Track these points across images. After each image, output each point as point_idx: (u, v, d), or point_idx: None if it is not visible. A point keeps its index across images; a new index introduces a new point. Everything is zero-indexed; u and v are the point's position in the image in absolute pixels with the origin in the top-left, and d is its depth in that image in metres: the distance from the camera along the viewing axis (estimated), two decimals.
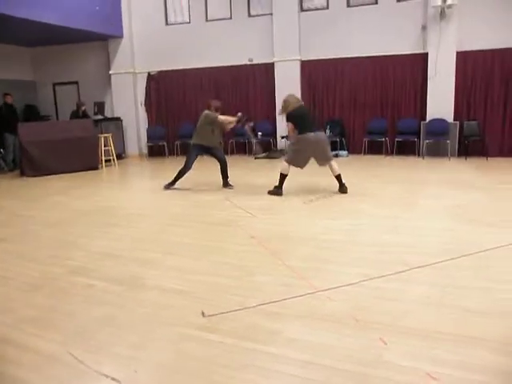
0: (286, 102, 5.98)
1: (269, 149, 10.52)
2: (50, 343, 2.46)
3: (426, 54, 9.25)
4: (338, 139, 9.99)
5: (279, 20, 10.17)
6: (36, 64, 12.28)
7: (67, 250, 4.12)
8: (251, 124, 6.94)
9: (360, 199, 5.68)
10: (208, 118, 6.46)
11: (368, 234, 4.27)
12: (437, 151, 9.26)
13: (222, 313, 2.71)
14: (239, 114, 6.73)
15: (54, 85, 12.36)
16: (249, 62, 10.73)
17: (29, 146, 8.48)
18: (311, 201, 5.65)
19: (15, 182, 8.36)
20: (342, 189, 5.98)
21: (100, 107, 11.20)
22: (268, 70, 10.51)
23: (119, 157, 10.57)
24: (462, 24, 8.88)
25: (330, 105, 10.37)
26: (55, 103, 12.48)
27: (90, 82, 11.93)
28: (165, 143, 11.23)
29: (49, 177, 8.39)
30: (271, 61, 10.40)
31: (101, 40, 11.28)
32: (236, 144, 11.00)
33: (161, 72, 11.45)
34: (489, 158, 8.84)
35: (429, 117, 9.32)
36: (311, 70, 10.31)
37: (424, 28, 9.27)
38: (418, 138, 9.43)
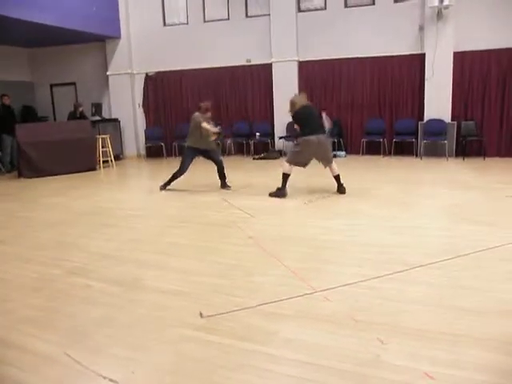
0: (291, 103, 6.01)
1: (267, 149, 10.53)
2: (49, 344, 2.46)
3: (424, 54, 9.28)
4: (335, 140, 10.00)
5: (277, 21, 10.18)
6: (33, 65, 12.27)
7: (66, 251, 4.12)
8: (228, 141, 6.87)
9: (358, 199, 5.69)
10: (194, 122, 6.44)
11: (366, 234, 4.28)
12: (434, 151, 9.28)
13: (220, 313, 2.71)
14: (219, 127, 6.65)
15: (52, 86, 12.35)
16: (247, 63, 10.75)
17: (27, 147, 8.47)
18: (310, 201, 5.65)
19: (13, 183, 8.34)
20: (341, 189, 5.99)
21: (98, 108, 11.20)
22: (266, 70, 10.52)
23: (117, 158, 10.57)
24: (458, 24, 8.91)
25: (328, 105, 10.36)
26: (53, 104, 12.47)
27: (88, 83, 11.92)
28: (163, 144, 11.23)
29: (47, 178, 8.38)
30: (269, 61, 10.41)
31: (98, 41, 11.28)
32: (234, 144, 11.01)
33: (158, 73, 11.45)
34: (486, 158, 8.87)
35: (426, 117, 9.34)
36: (309, 71, 10.32)
37: (421, 28, 9.29)
38: (416, 138, 9.45)
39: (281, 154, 10.29)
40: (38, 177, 8.42)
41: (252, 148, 10.68)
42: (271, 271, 3.38)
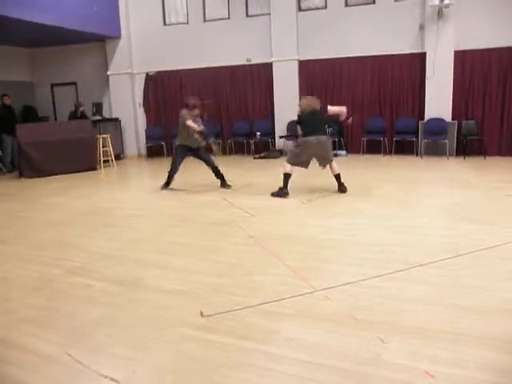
0: (299, 105, 6.17)
1: (267, 149, 10.52)
2: (49, 344, 2.46)
3: (424, 53, 9.26)
4: (336, 139, 9.99)
5: (277, 20, 10.17)
6: (34, 65, 12.28)
7: (66, 250, 4.13)
8: (215, 141, 6.83)
9: (358, 198, 5.69)
10: (181, 119, 6.43)
11: (367, 233, 4.28)
12: (435, 150, 9.27)
13: (221, 312, 2.71)
14: (203, 126, 6.57)
15: (52, 86, 12.36)
16: (247, 62, 10.74)
17: (27, 147, 8.47)
18: (310, 200, 5.65)
19: (14, 183, 8.35)
20: (341, 188, 5.99)
21: (98, 108, 11.20)
22: (266, 69, 10.51)
23: (118, 157, 10.57)
24: (459, 23, 8.89)
25: (329, 104, 10.33)
26: (53, 104, 12.47)
27: (88, 83, 11.92)
28: (163, 143, 11.23)
29: (47, 178, 8.38)
30: (269, 61, 10.41)
31: (99, 41, 11.28)
32: (235, 144, 11.01)
33: (159, 72, 11.45)
34: (487, 157, 8.86)
35: (427, 116, 9.33)
36: (309, 70, 10.32)
37: (422, 27, 9.28)
38: (417, 137, 9.43)
39: (281, 153, 10.29)
40: (38, 177, 8.42)
41: (252, 147, 10.68)
42: (271, 270, 3.38)
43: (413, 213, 5.00)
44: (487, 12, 8.78)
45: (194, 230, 4.68)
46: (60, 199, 6.54)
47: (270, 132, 10.68)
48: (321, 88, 10.32)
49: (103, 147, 9.69)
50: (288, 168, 5.96)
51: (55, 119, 12.24)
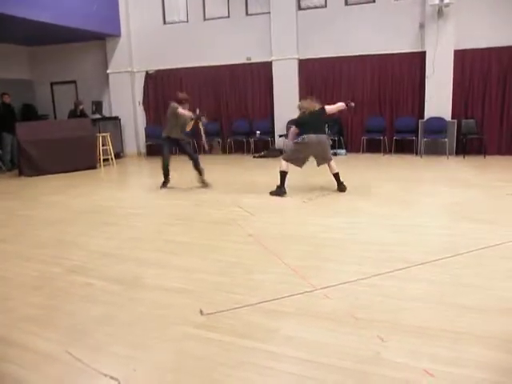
0: (299, 107, 6.22)
1: (267, 147, 10.53)
2: (49, 342, 2.46)
3: (424, 52, 9.26)
4: (336, 138, 9.99)
5: (277, 19, 10.16)
6: (34, 63, 12.26)
7: (66, 249, 4.13)
8: (205, 120, 6.81)
9: (358, 197, 5.69)
10: (170, 109, 6.46)
11: (366, 232, 4.28)
12: (435, 149, 9.27)
13: (221, 311, 2.71)
14: (197, 109, 6.66)
15: (52, 84, 12.35)
16: (247, 61, 10.73)
17: (27, 145, 8.47)
18: (310, 199, 5.65)
19: (14, 181, 8.34)
20: (341, 187, 5.99)
21: (98, 106, 11.19)
22: (266, 68, 10.50)
23: (117, 156, 10.56)
24: (459, 22, 8.89)
25: (328, 103, 10.33)
26: (53, 102, 12.47)
27: (88, 81, 11.91)
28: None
29: (47, 176, 8.38)
30: (269, 59, 10.40)
31: (98, 39, 11.27)
32: (234, 143, 11.01)
33: (159, 71, 11.44)
34: (487, 156, 8.86)
35: (427, 115, 9.33)
36: (309, 69, 10.31)
37: (422, 26, 9.28)
38: (416, 136, 9.43)
39: (281, 152, 10.23)
40: (38, 175, 8.41)
41: (252, 146, 10.68)
42: (271, 269, 3.38)
43: (413, 212, 5.00)
44: (487, 11, 8.78)
45: (194, 229, 4.68)
46: (60, 198, 6.53)
47: (270, 131, 10.68)
48: (320, 87, 10.32)
49: (103, 146, 9.68)
50: (284, 165, 5.97)
51: (55, 117, 12.23)
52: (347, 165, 8.59)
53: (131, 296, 3.03)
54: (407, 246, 3.78)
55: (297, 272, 3.27)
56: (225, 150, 11.20)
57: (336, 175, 6.03)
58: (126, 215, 5.41)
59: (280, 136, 10.34)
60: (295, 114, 10.46)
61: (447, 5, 8.67)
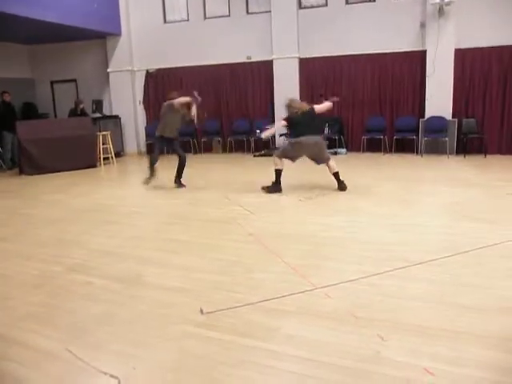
0: (289, 106, 6.12)
1: (267, 147, 10.52)
2: (50, 340, 2.47)
3: (425, 51, 9.25)
4: (336, 137, 9.99)
5: (278, 17, 10.15)
6: (34, 62, 12.25)
7: (67, 248, 4.13)
8: (198, 98, 6.87)
9: (358, 197, 5.69)
10: (165, 108, 6.60)
11: (366, 231, 4.28)
12: (435, 149, 9.26)
13: (221, 310, 2.72)
14: (195, 92, 6.77)
15: (52, 83, 12.34)
16: (247, 60, 10.73)
17: (27, 144, 8.47)
18: (310, 198, 5.65)
19: (14, 180, 8.35)
20: (341, 186, 5.99)
21: (98, 105, 11.19)
22: (266, 67, 10.49)
23: (118, 155, 10.56)
24: (460, 21, 8.88)
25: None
26: (53, 101, 12.46)
27: (89, 80, 11.90)
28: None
29: (47, 175, 8.38)
30: (270, 58, 10.39)
31: (99, 38, 11.26)
32: (234, 142, 11.00)
33: (159, 70, 11.43)
34: (487, 156, 8.85)
35: (427, 114, 9.32)
36: (310, 68, 10.30)
37: (422, 25, 9.27)
38: (417, 135, 9.43)
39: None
40: (38, 174, 8.42)
41: (252, 145, 10.67)
42: (271, 268, 3.39)
43: (413, 211, 5.01)
44: (488, 10, 8.77)
45: (195, 228, 4.69)
46: (60, 196, 6.54)
47: None
48: (321, 86, 10.31)
49: (103, 144, 9.69)
50: (279, 163, 6.00)
51: (55, 116, 12.22)
52: (347, 164, 8.59)
53: (132, 294, 3.04)
54: (407, 246, 3.78)
55: (297, 271, 3.27)
56: (225, 149, 11.19)
57: (336, 174, 6.04)
58: (127, 214, 5.41)
59: (280, 135, 10.32)
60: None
61: (448, 4, 8.66)
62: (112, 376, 2.11)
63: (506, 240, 3.78)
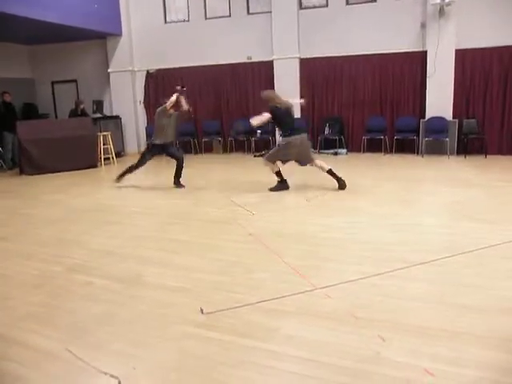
0: (270, 98, 6.01)
1: (267, 147, 10.50)
2: (50, 340, 2.46)
3: (425, 51, 9.25)
4: (337, 137, 9.99)
5: (278, 18, 10.15)
6: (34, 62, 12.26)
7: (67, 248, 4.13)
8: (183, 88, 6.92)
9: (359, 197, 5.68)
10: (158, 113, 6.65)
11: (367, 231, 4.28)
12: (436, 149, 9.26)
13: (221, 310, 2.71)
14: (177, 86, 6.83)
15: (53, 83, 12.34)
16: (248, 60, 10.73)
17: (28, 144, 8.47)
18: (310, 199, 5.65)
19: (14, 180, 8.35)
20: (340, 183, 5.95)
21: (99, 105, 11.19)
22: (267, 67, 10.49)
23: (118, 155, 10.56)
24: (460, 22, 8.87)
25: (329, 103, 10.36)
26: (54, 101, 12.46)
27: (89, 80, 11.91)
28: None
29: (48, 175, 8.39)
30: (270, 58, 10.39)
31: (99, 38, 11.27)
32: (235, 142, 11.00)
33: (159, 70, 11.43)
34: (488, 156, 8.85)
35: (428, 115, 9.32)
36: (310, 68, 10.30)
37: (423, 26, 9.26)
38: (417, 135, 9.42)
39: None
40: (39, 174, 8.42)
41: (253, 145, 10.67)
42: (271, 268, 3.38)
43: (413, 211, 5.00)
44: (488, 11, 8.76)
45: (195, 228, 4.69)
46: (61, 196, 6.54)
47: (271, 130, 10.65)
48: (322, 86, 10.32)
49: (104, 145, 9.69)
50: (274, 166, 6.03)
51: (56, 116, 12.21)
52: (348, 164, 8.60)
53: (132, 294, 3.03)
54: (408, 246, 3.78)
55: (297, 271, 3.27)
56: (225, 150, 11.20)
57: (330, 172, 5.97)
58: (128, 214, 5.41)
59: (281, 135, 10.32)
60: (296, 113, 10.53)
61: (448, 4, 8.66)
62: (112, 376, 2.10)
63: (507, 240, 3.78)
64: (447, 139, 9.00)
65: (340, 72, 10.12)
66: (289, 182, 6.23)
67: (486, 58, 9.00)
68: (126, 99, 11.56)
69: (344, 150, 9.96)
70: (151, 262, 3.66)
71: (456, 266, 3.28)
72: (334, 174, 5.99)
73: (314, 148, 10.23)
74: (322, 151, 10.13)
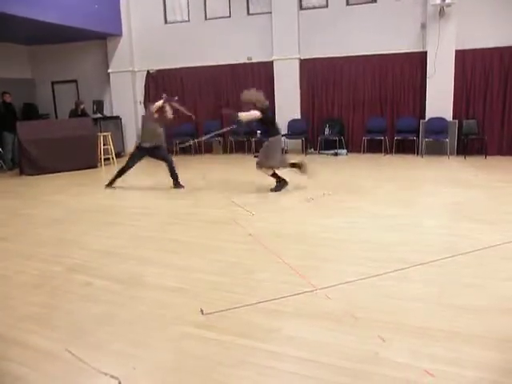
0: (256, 99, 5.93)
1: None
2: (50, 341, 2.46)
3: (425, 52, 9.25)
4: (337, 138, 10.00)
5: (278, 18, 10.16)
6: (34, 62, 12.27)
7: (67, 248, 4.13)
8: (175, 98, 6.94)
9: (359, 197, 5.69)
10: (144, 118, 6.74)
11: (366, 232, 4.28)
12: (436, 150, 9.26)
13: (221, 310, 2.71)
14: (164, 95, 6.84)
15: (53, 83, 12.35)
16: (248, 61, 10.73)
17: (28, 144, 8.48)
18: (310, 199, 5.65)
19: (15, 180, 8.35)
20: (300, 169, 6.03)
21: (99, 106, 11.20)
22: (267, 68, 10.50)
23: (118, 155, 10.55)
24: (461, 22, 8.88)
25: (330, 103, 10.37)
26: (54, 102, 12.47)
27: (89, 81, 11.92)
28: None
29: (48, 175, 8.39)
30: (270, 59, 10.40)
31: (99, 38, 11.28)
32: (235, 143, 11.01)
33: (160, 70, 11.44)
34: (487, 157, 8.85)
35: (428, 115, 9.33)
36: (310, 69, 10.31)
37: (423, 26, 9.27)
38: (417, 136, 9.43)
39: (282, 151, 10.27)
40: (39, 174, 8.42)
41: (253, 146, 10.66)
42: (271, 269, 3.39)
43: (413, 212, 5.00)
44: (489, 11, 8.77)
45: (195, 228, 4.69)
46: (61, 197, 6.54)
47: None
48: (322, 87, 10.33)
49: (104, 145, 9.70)
50: (267, 171, 6.07)
51: (56, 117, 12.22)
52: (348, 165, 8.61)
53: (132, 295, 3.04)
54: (407, 246, 3.78)
55: (297, 272, 3.27)
56: (226, 150, 11.20)
57: (274, 175, 6.06)
58: (127, 214, 5.41)
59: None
60: (296, 114, 10.55)
61: (449, 5, 8.67)
62: (112, 377, 2.10)
63: (507, 241, 3.78)
64: (447, 140, 9.00)
65: (340, 73, 10.12)
66: (289, 181, 6.22)
67: (486, 59, 9.01)
68: (126, 99, 11.57)
69: (344, 151, 9.96)
70: (151, 262, 3.66)
71: (456, 267, 3.28)
72: (294, 166, 6.09)
73: (315, 149, 10.29)
74: (322, 152, 10.14)
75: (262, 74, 10.66)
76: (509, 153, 9.07)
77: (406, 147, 9.67)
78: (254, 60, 10.65)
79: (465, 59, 9.09)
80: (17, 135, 8.66)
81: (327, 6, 10.04)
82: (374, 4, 9.69)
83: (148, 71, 11.53)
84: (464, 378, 2.00)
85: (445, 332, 2.37)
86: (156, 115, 6.58)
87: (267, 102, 6.04)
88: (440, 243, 3.90)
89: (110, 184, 6.90)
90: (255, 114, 5.83)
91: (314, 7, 10.18)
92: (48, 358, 2.30)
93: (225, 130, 7.94)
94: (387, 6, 9.54)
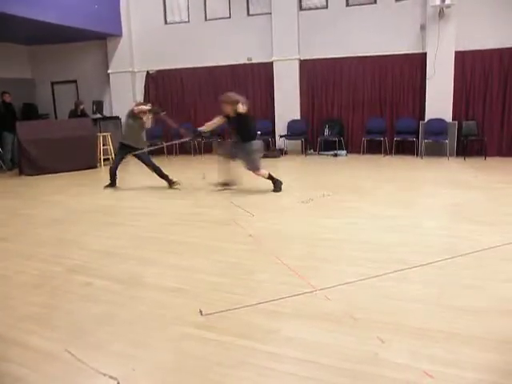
0: (235, 101, 6.22)
1: (267, 148, 10.51)
2: (49, 341, 2.46)
3: (425, 53, 9.27)
4: (336, 139, 10.00)
5: (278, 19, 10.17)
6: (34, 62, 12.27)
7: (67, 248, 4.13)
8: (164, 112, 7.01)
9: (358, 198, 5.69)
10: (127, 115, 6.73)
11: (366, 232, 4.28)
12: (435, 151, 9.27)
13: (221, 311, 2.72)
14: (149, 104, 6.93)
15: (53, 83, 12.35)
16: (248, 61, 10.74)
17: (27, 144, 8.48)
18: (310, 200, 5.65)
19: (14, 181, 8.35)
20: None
21: (98, 106, 11.20)
22: (267, 69, 10.51)
23: None
24: (460, 24, 8.89)
25: (329, 104, 10.38)
26: (54, 102, 12.47)
27: (89, 81, 11.92)
28: (163, 142, 11.20)
29: (47, 175, 8.39)
30: (270, 60, 10.41)
31: (99, 39, 11.28)
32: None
33: (159, 71, 11.45)
34: (487, 158, 8.86)
35: (427, 116, 9.34)
36: (310, 70, 10.32)
37: (423, 28, 9.28)
38: (417, 137, 9.44)
39: (282, 152, 10.30)
40: (38, 174, 8.42)
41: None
42: (271, 269, 3.39)
43: (413, 213, 5.01)
44: (488, 12, 8.79)
45: (195, 229, 4.68)
46: (61, 197, 6.54)
47: (271, 131, 10.68)
48: (321, 88, 10.34)
49: (103, 145, 9.70)
50: (262, 173, 6.13)
51: (55, 117, 12.23)
52: (348, 166, 8.61)
53: (132, 295, 3.04)
54: (407, 247, 3.78)
55: (296, 272, 3.27)
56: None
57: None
58: (127, 215, 5.41)
59: (281, 136, 10.35)
60: (296, 115, 10.56)
61: (448, 6, 8.68)
62: (111, 377, 2.10)
63: (507, 242, 3.78)
64: (447, 141, 9.01)
65: (340, 73, 10.13)
66: (289, 182, 6.22)
67: (485, 60, 9.02)
68: (125, 100, 11.53)
69: (344, 152, 9.97)
70: (151, 262, 3.66)
71: (455, 268, 3.28)
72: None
73: (314, 149, 10.30)
74: (322, 153, 10.15)
75: (261, 75, 10.67)
76: (508, 154, 9.08)
77: (405, 148, 9.68)
78: (254, 61, 10.66)
79: (464, 60, 9.10)
80: (16, 135, 8.66)
81: (327, 6, 10.06)
82: (374, 5, 9.70)
83: (148, 72, 11.54)
84: (463, 379, 2.00)
85: (444, 333, 2.37)
86: (137, 113, 6.60)
87: (245, 106, 6.18)
88: (440, 244, 3.90)
89: (110, 185, 6.87)
90: (218, 120, 6.24)
91: (314, 8, 10.19)
92: (48, 358, 2.30)
93: (183, 140, 8.23)
94: (387, 6, 9.56)
